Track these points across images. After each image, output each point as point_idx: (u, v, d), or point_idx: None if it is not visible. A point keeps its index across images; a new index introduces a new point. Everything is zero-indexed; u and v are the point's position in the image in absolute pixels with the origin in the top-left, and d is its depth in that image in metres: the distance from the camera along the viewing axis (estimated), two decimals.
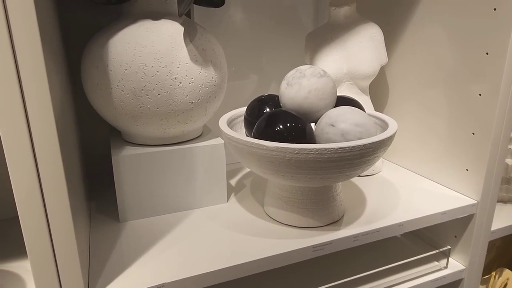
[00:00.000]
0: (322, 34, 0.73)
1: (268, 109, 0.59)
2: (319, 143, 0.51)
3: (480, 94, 0.60)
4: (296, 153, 0.45)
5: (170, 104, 0.54)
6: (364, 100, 0.73)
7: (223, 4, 0.65)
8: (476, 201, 0.63)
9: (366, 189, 0.69)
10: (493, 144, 0.60)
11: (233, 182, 0.72)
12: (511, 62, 0.56)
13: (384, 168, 0.78)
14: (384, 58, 0.71)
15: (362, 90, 0.73)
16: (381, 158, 0.77)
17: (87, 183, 0.67)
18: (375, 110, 0.77)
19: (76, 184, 0.47)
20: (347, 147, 0.45)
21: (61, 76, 0.47)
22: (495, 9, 0.57)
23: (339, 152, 0.45)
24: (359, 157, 0.47)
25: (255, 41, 0.79)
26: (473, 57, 0.60)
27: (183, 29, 0.55)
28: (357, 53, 0.70)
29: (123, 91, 0.52)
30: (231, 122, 0.61)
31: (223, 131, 0.53)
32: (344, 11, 0.70)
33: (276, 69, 0.82)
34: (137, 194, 0.58)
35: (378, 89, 0.81)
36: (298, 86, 0.53)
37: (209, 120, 0.65)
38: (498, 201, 0.76)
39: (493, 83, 0.58)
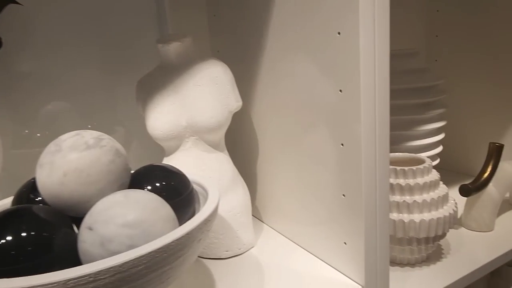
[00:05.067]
0: (153, 80, 0.56)
1: (40, 198, 0.40)
2: (80, 256, 0.33)
3: (342, 145, 0.45)
4: None
5: None
6: (217, 158, 0.56)
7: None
8: (360, 286, 0.47)
9: (220, 278, 0.50)
10: (367, 206, 0.44)
11: None
12: (365, 101, 0.41)
13: (261, 240, 0.61)
14: (233, 103, 0.55)
15: (214, 145, 0.56)
16: (252, 230, 0.60)
17: None
18: (244, 168, 0.61)
19: None
20: (79, 277, 0.27)
21: None
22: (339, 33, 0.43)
23: (72, 285, 0.27)
24: (122, 284, 0.29)
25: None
26: (327, 91, 0.46)
27: None
28: (195, 100, 0.53)
29: None
30: None
31: None
32: (174, 49, 0.54)
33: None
34: None
35: (245, 140, 0.65)
36: (49, 167, 0.34)
37: None
38: (404, 265, 0.61)
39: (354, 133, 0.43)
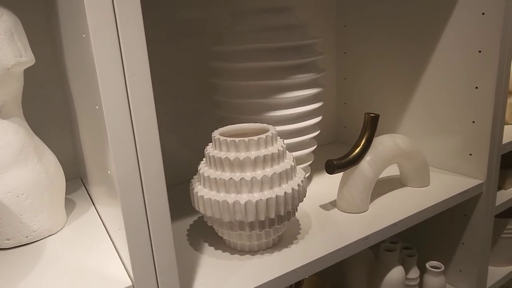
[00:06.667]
0: None
1: None
2: None
3: (97, 107, 0.35)
4: None
5: None
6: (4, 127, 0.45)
7: None
8: (130, 284, 0.38)
9: None
10: (124, 184, 0.35)
11: None
12: (99, 44, 0.31)
13: (74, 225, 0.51)
14: (10, 58, 0.44)
15: None
16: (51, 214, 0.50)
17: None
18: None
19: None
20: None
21: None
22: None
23: None
24: None
25: None
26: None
27: None
28: None
29: None
30: None
31: None
32: None
33: None
34: None
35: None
36: None
37: None
38: (246, 252, 0.52)
39: None
